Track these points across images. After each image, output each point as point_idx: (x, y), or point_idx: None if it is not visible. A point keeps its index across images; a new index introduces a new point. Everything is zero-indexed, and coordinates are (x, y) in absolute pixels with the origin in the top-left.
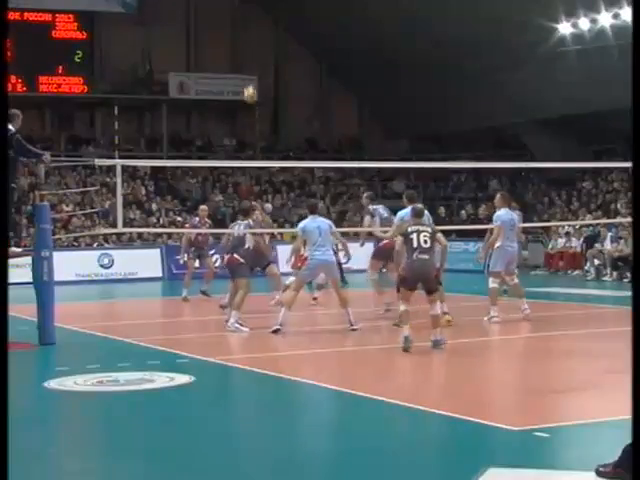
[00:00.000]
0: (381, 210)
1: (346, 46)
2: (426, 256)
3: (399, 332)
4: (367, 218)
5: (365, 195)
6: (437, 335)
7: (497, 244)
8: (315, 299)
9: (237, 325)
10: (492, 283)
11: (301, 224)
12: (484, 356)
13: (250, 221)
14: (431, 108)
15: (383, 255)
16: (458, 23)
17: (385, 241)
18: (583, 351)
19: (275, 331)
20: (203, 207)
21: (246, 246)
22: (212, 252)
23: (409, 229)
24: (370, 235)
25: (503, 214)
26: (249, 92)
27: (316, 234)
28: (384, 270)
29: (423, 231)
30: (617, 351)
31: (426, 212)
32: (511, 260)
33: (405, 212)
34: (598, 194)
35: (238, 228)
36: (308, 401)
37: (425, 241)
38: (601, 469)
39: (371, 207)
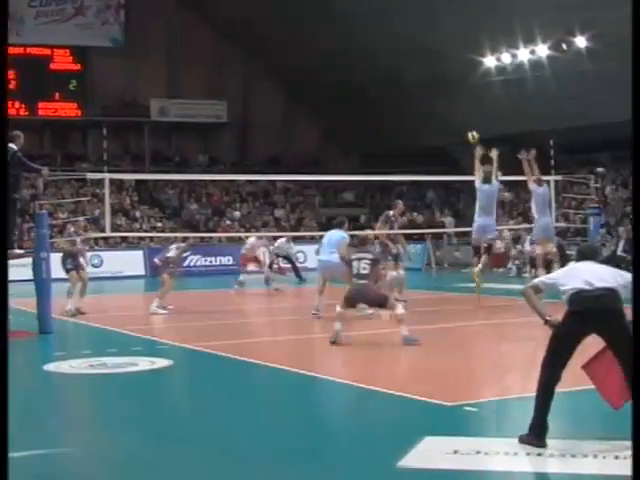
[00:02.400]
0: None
1: (307, 76)
2: (364, 281)
3: (361, 322)
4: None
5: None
6: (405, 332)
7: None
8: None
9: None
10: None
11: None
12: (422, 342)
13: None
14: (379, 129)
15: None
16: (403, 56)
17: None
18: (508, 337)
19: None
20: None
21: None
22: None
23: (352, 256)
24: None
25: None
26: (473, 134)
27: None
28: None
29: (363, 258)
30: (536, 336)
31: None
32: None
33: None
34: (519, 203)
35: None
36: (272, 383)
37: (364, 268)
38: (522, 435)
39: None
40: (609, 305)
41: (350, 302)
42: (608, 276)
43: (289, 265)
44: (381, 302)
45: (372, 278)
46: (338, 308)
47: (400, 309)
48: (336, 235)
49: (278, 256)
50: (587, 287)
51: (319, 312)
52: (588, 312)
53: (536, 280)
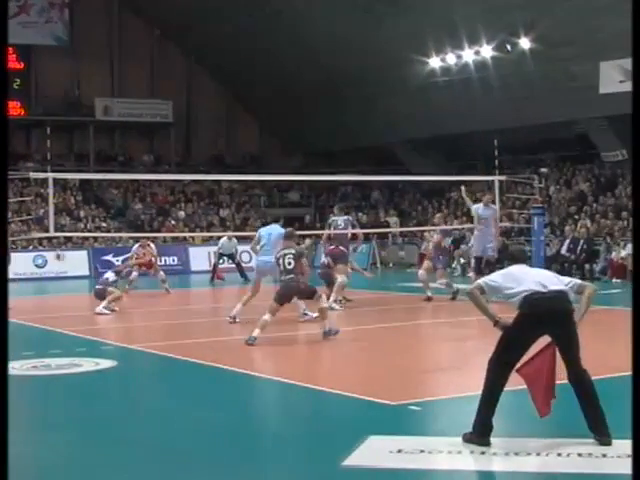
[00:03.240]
0: (339, 221)
1: (249, 75)
2: (291, 275)
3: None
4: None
5: (335, 207)
6: (326, 327)
7: None
8: None
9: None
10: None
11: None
12: (368, 342)
13: None
14: (321, 129)
15: (333, 258)
16: (345, 56)
17: (332, 247)
18: (450, 337)
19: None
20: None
21: None
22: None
23: (278, 254)
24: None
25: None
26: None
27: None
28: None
29: (287, 254)
30: (477, 336)
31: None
32: None
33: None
34: (463, 203)
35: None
36: (215, 383)
37: (289, 263)
38: (466, 434)
39: (331, 218)
40: (562, 306)
41: (283, 299)
42: (553, 278)
43: (233, 264)
44: (310, 294)
45: (298, 272)
46: (265, 316)
47: (324, 302)
48: (276, 231)
49: (222, 255)
50: (541, 289)
51: (236, 318)
52: (544, 314)
53: (480, 281)
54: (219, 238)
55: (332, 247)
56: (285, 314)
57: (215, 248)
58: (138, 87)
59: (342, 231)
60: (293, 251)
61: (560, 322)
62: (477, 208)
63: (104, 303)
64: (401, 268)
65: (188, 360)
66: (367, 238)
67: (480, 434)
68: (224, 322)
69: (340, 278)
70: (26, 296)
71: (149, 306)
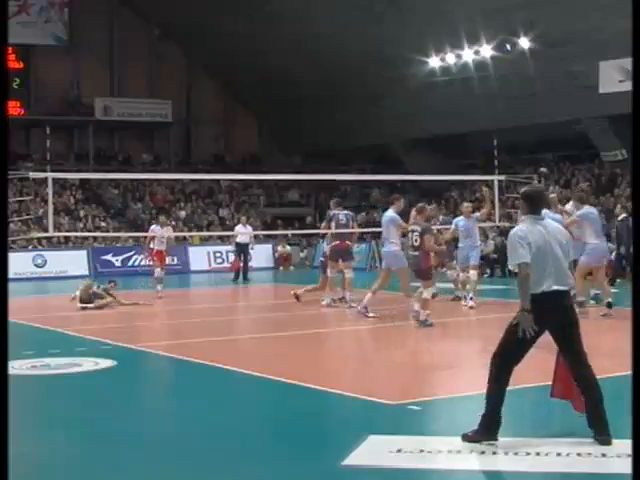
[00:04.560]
0: (340, 216)
1: (248, 75)
2: (416, 253)
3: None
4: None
5: (332, 201)
6: (422, 316)
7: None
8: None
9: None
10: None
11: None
12: (367, 341)
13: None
14: (321, 129)
15: (338, 254)
16: (345, 56)
17: (337, 242)
18: (451, 336)
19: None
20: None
21: None
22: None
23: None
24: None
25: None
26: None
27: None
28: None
29: (415, 230)
30: (478, 335)
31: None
32: None
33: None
34: (463, 202)
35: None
36: (216, 383)
37: (415, 240)
38: (466, 434)
39: (331, 212)
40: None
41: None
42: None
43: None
44: (425, 276)
45: (423, 248)
46: (425, 293)
47: (427, 294)
48: (385, 217)
49: (239, 245)
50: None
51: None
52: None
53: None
54: (220, 238)
55: (337, 242)
56: (284, 314)
57: (214, 248)
58: (138, 87)
59: (345, 230)
60: (419, 228)
61: (565, 317)
62: (457, 221)
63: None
64: None
65: (188, 360)
66: (362, 237)
67: (490, 430)
68: (224, 322)
69: (348, 274)
70: (26, 296)
71: (149, 306)
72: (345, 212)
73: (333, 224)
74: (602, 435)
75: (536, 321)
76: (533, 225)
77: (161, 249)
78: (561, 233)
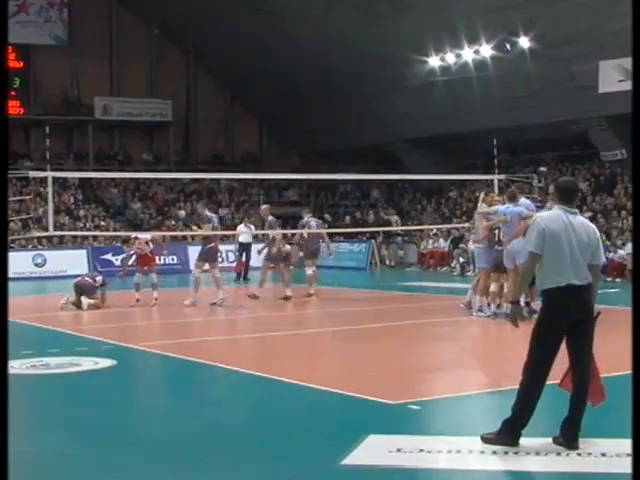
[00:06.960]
0: (312, 222)
1: (248, 75)
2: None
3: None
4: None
5: (304, 211)
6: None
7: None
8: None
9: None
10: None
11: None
12: (368, 341)
13: None
14: (321, 128)
15: (207, 257)
16: (345, 56)
17: (211, 244)
18: (449, 336)
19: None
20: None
21: None
22: None
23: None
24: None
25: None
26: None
27: None
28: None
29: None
30: (477, 335)
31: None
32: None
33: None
34: (463, 202)
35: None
36: (216, 382)
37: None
38: (486, 436)
39: (304, 220)
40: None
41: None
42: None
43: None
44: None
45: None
46: (492, 286)
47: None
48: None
49: (242, 245)
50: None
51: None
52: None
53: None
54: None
55: (212, 245)
56: (285, 313)
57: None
58: (137, 86)
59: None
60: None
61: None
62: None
63: (84, 305)
64: (400, 267)
65: (188, 360)
66: (373, 237)
67: (507, 436)
68: (223, 321)
69: (310, 270)
70: (25, 295)
71: (148, 305)
72: (316, 220)
73: (305, 230)
74: (573, 441)
75: (554, 317)
76: (557, 214)
77: (145, 253)
78: (588, 231)
